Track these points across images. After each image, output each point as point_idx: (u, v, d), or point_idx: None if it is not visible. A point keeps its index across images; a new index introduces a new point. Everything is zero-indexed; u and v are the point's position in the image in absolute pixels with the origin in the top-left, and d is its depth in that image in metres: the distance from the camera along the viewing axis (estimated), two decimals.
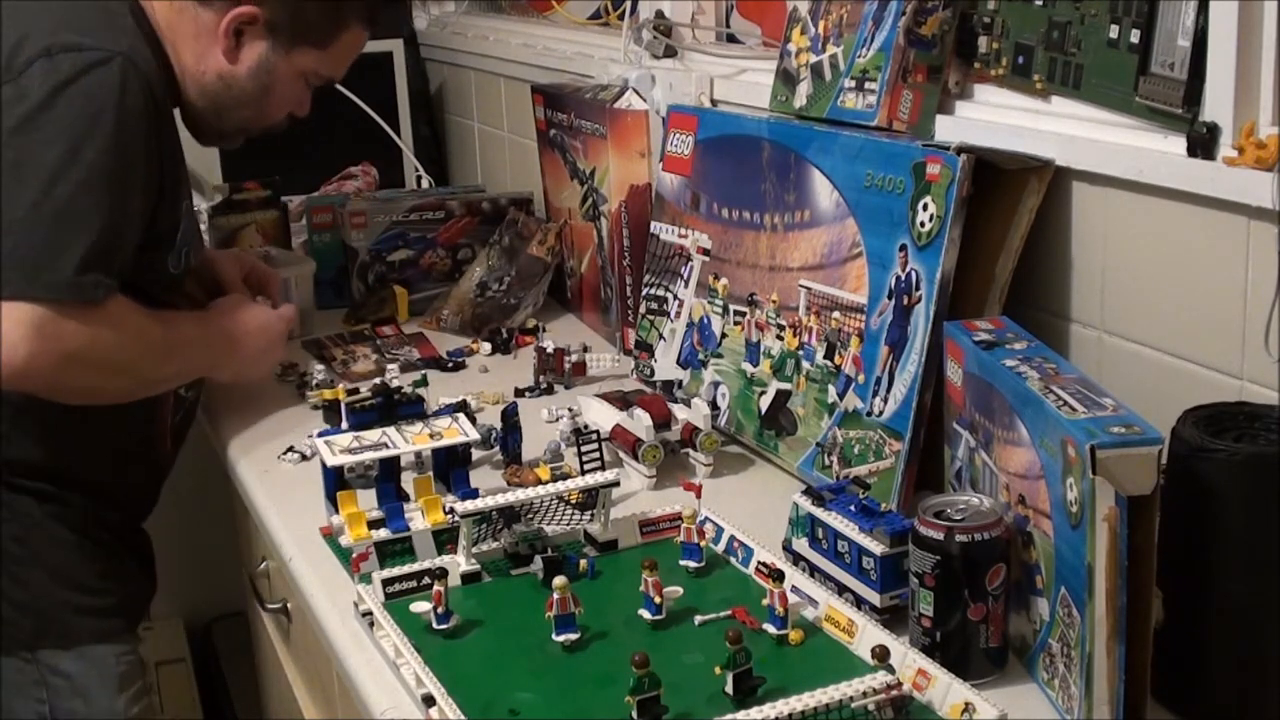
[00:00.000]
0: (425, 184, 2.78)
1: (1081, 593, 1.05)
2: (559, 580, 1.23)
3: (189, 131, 1.76)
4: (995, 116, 1.49)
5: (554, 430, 1.75)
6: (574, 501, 1.51)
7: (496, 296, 2.19)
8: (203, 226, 2.14)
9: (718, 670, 1.14)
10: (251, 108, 1.74)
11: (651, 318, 1.88)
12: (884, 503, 1.34)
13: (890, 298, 1.45)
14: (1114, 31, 1.32)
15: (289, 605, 1.75)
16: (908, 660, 1.13)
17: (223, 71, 1.69)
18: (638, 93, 2.00)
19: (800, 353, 1.59)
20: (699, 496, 1.40)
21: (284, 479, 1.69)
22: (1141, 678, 1.06)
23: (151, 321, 1.59)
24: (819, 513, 1.31)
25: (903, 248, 1.43)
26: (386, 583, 1.32)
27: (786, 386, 1.61)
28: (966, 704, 1.07)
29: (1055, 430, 1.09)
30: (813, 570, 1.32)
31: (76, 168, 1.48)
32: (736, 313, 1.71)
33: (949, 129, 1.52)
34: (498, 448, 1.67)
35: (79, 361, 1.50)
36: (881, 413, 1.44)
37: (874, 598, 1.24)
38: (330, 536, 1.48)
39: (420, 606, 1.28)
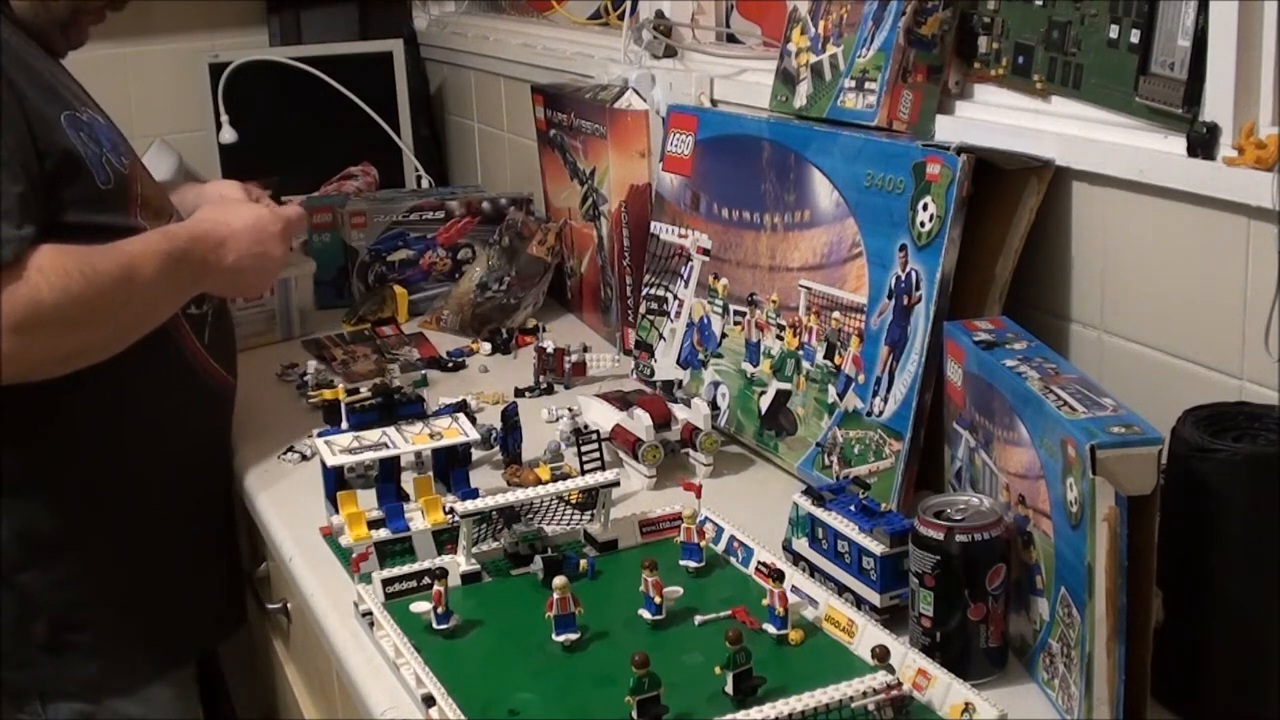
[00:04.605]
0: (425, 184, 2.78)
1: (1081, 593, 1.05)
2: (559, 580, 1.23)
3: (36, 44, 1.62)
4: (995, 116, 1.49)
5: (554, 430, 1.75)
6: (574, 501, 1.51)
7: (496, 296, 2.19)
8: None
9: (718, 670, 1.14)
10: None
11: (651, 318, 1.87)
12: (884, 503, 1.34)
13: (890, 298, 1.45)
14: (1114, 31, 1.32)
15: (289, 605, 1.75)
16: (908, 660, 1.13)
17: None
18: (638, 93, 2.00)
19: (800, 353, 1.59)
20: (699, 496, 1.40)
21: (284, 479, 1.69)
22: (1141, 678, 1.06)
23: (95, 257, 1.45)
24: (819, 513, 1.31)
25: (903, 248, 1.43)
26: (386, 583, 1.32)
27: (786, 386, 1.61)
28: (966, 704, 1.07)
29: (1055, 430, 1.08)
30: (813, 570, 1.32)
31: None
32: (736, 313, 1.71)
33: (949, 129, 1.52)
34: (498, 448, 1.67)
35: (29, 328, 1.38)
36: (881, 413, 1.44)
37: (874, 598, 1.24)
38: (330, 536, 1.48)
39: (420, 606, 1.28)
